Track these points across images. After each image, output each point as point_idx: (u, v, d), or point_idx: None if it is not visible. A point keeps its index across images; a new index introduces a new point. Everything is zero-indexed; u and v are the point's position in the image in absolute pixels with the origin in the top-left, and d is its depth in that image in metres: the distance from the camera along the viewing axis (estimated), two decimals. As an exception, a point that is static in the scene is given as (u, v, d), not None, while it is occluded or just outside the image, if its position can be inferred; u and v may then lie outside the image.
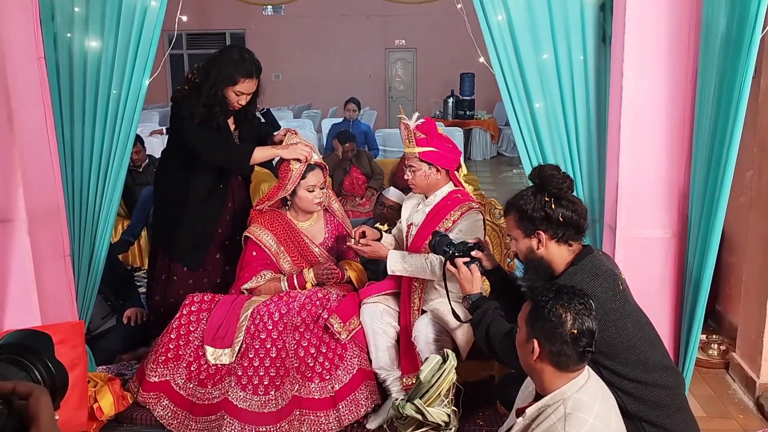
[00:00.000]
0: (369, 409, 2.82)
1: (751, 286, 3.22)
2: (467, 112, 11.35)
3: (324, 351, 2.83)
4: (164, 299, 3.38)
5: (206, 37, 14.43)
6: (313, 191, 3.03)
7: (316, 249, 3.15)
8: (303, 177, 3.00)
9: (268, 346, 2.77)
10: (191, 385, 2.86)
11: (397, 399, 2.50)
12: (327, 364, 2.81)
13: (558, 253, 2.10)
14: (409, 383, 2.72)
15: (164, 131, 7.52)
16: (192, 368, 2.88)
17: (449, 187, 2.87)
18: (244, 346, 2.81)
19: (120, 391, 2.88)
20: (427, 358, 2.43)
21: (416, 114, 2.85)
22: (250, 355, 2.77)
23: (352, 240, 2.88)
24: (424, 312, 2.84)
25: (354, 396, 2.80)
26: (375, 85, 14.53)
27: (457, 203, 2.79)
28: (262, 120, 4.18)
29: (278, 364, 2.76)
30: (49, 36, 2.70)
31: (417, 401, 2.34)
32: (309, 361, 2.81)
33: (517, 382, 2.02)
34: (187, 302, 2.98)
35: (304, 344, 2.82)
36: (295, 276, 3.03)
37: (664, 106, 2.50)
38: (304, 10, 12.92)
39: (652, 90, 2.49)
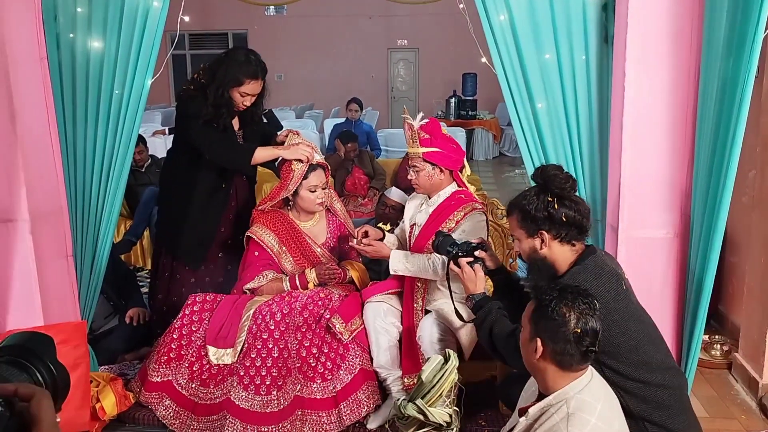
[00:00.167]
0: (370, 409, 2.82)
1: (754, 286, 3.21)
2: (469, 112, 11.35)
3: (326, 351, 2.83)
4: (167, 297, 3.41)
5: (209, 37, 14.45)
6: (315, 191, 3.04)
7: (318, 249, 3.15)
8: (305, 177, 3.01)
9: (270, 346, 2.77)
10: (193, 385, 2.86)
11: (398, 399, 2.50)
12: (329, 364, 2.82)
13: (561, 253, 2.10)
14: (411, 383, 2.72)
15: (167, 131, 7.52)
16: (194, 368, 2.88)
17: (452, 187, 2.87)
18: (246, 346, 2.81)
19: (122, 390, 2.89)
20: (428, 359, 2.43)
21: (420, 114, 2.85)
22: (252, 355, 2.77)
23: (355, 240, 2.89)
24: (427, 312, 2.84)
25: (355, 396, 2.80)
26: (377, 86, 14.53)
27: (461, 204, 2.79)
28: (265, 121, 4.19)
29: (280, 364, 2.77)
30: (52, 36, 2.70)
31: (419, 401, 2.34)
32: (311, 361, 2.81)
33: (520, 381, 2.02)
34: (189, 302, 2.99)
35: (306, 344, 2.82)
36: (297, 276, 3.04)
37: (666, 106, 2.50)
38: (307, 11, 12.93)
39: (654, 90, 2.49)
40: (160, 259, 3.47)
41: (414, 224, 2.96)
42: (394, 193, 3.84)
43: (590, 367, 1.74)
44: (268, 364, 2.76)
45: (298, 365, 2.80)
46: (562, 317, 1.66)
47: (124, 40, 2.77)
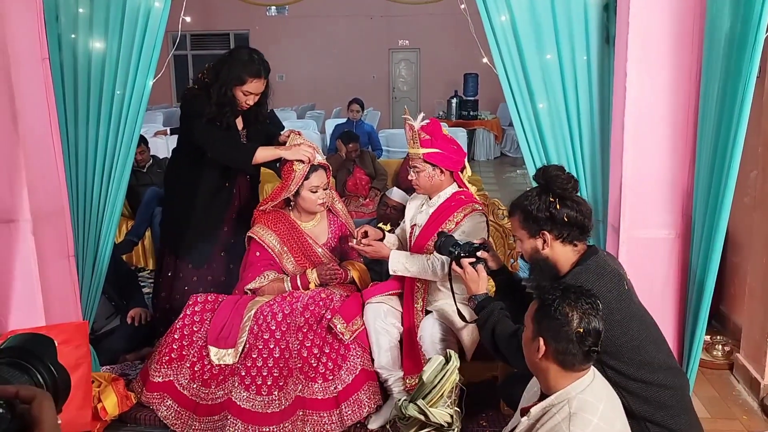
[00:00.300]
0: (372, 410, 2.82)
1: (756, 286, 3.21)
2: (471, 113, 11.34)
3: (327, 351, 2.83)
4: (170, 296, 3.43)
5: (210, 37, 14.46)
6: (316, 192, 3.04)
7: (320, 249, 3.15)
8: (306, 178, 3.01)
9: (272, 346, 2.78)
10: (195, 386, 2.86)
11: (399, 399, 2.50)
12: (330, 364, 2.82)
13: (563, 254, 2.10)
14: (412, 384, 2.72)
15: (168, 132, 7.52)
16: (195, 368, 2.88)
17: (453, 188, 2.87)
18: (247, 346, 2.82)
19: (124, 391, 2.89)
20: (430, 359, 2.43)
21: (421, 114, 2.85)
22: (254, 356, 2.78)
23: (354, 240, 2.89)
24: (428, 312, 2.84)
25: (357, 396, 2.80)
26: (378, 86, 14.53)
27: (461, 205, 2.79)
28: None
29: (281, 365, 2.77)
30: (54, 37, 2.70)
31: (420, 402, 2.34)
32: (312, 361, 2.81)
33: (521, 381, 2.02)
34: (190, 303, 2.99)
35: (307, 345, 2.82)
36: (298, 276, 3.04)
37: (667, 106, 2.50)
38: (308, 11, 12.93)
39: (655, 90, 2.49)
40: (164, 257, 3.50)
41: (414, 225, 2.96)
42: (396, 194, 3.84)
43: (592, 367, 1.74)
44: (270, 365, 2.76)
45: (299, 365, 2.81)
46: (565, 317, 1.66)
47: (126, 41, 2.77)
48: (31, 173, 2.57)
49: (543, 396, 1.75)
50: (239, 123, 3.27)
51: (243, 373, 2.77)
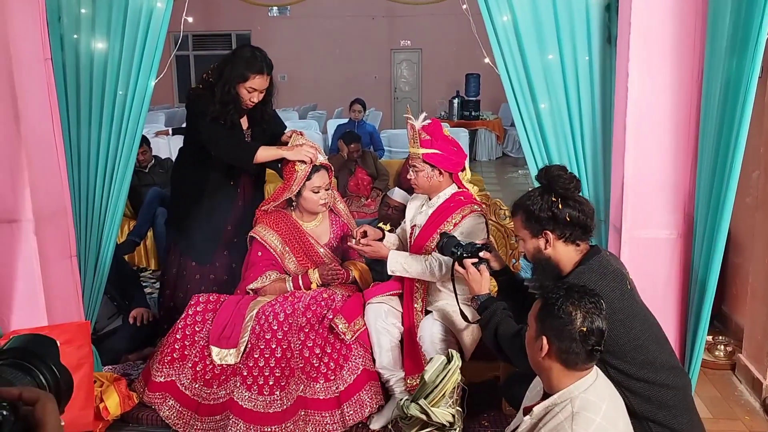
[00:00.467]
0: (373, 410, 2.82)
1: (758, 287, 3.21)
2: (472, 113, 11.33)
3: (329, 351, 2.83)
4: (174, 294, 3.46)
5: (212, 38, 14.48)
6: (318, 192, 3.04)
7: (321, 249, 3.15)
8: (308, 178, 3.01)
9: (273, 346, 2.78)
10: (197, 385, 2.87)
11: (401, 399, 2.50)
12: (332, 364, 2.82)
13: (565, 253, 2.10)
14: (413, 384, 2.72)
15: (170, 132, 7.52)
16: (197, 368, 2.89)
17: (452, 189, 2.87)
18: (249, 346, 2.82)
19: (126, 391, 2.89)
20: (431, 359, 2.43)
21: (423, 114, 2.85)
22: (256, 356, 2.78)
23: (353, 240, 2.89)
24: (428, 313, 2.84)
25: (358, 396, 2.80)
26: (380, 86, 14.53)
27: (460, 206, 2.79)
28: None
29: (283, 365, 2.77)
30: (56, 37, 2.71)
31: (421, 401, 2.34)
32: (314, 361, 2.81)
33: (523, 380, 2.02)
34: (192, 303, 3.00)
35: (309, 344, 2.82)
36: (300, 276, 3.04)
37: (669, 107, 2.50)
38: (310, 11, 12.94)
39: (657, 90, 2.48)
40: (170, 254, 3.54)
41: (414, 225, 2.96)
42: (397, 194, 3.84)
43: (595, 366, 1.74)
44: (271, 365, 2.76)
45: (301, 365, 2.81)
46: (569, 315, 1.66)
47: (128, 41, 2.77)
48: (34, 173, 2.58)
49: (546, 395, 1.75)
50: (244, 123, 3.29)
51: (245, 373, 2.77)
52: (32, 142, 2.57)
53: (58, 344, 0.97)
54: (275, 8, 13.92)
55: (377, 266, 3.31)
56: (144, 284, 4.37)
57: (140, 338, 3.51)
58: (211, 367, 2.87)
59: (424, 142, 2.78)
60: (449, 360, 2.36)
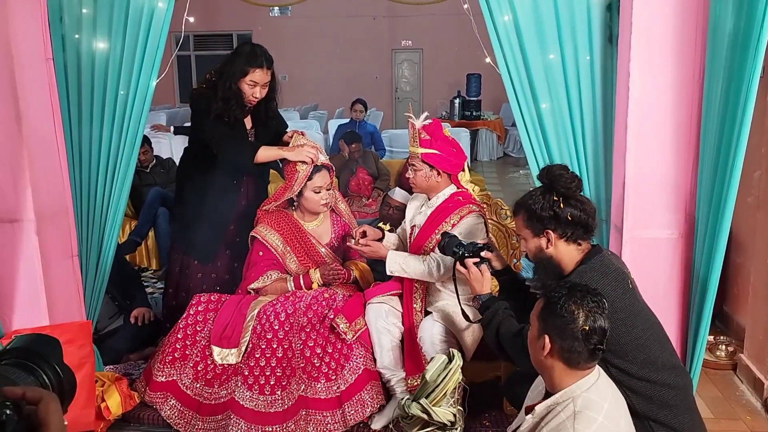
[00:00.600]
0: (374, 410, 2.82)
1: (759, 286, 3.20)
2: (474, 113, 11.32)
3: (330, 351, 2.83)
4: (176, 292, 3.48)
5: (213, 38, 14.48)
6: (319, 192, 3.04)
7: (323, 249, 3.16)
8: (309, 178, 3.01)
9: (275, 346, 2.78)
10: (198, 385, 2.87)
11: (402, 398, 2.50)
12: (333, 364, 2.82)
13: (567, 253, 2.10)
14: (414, 384, 2.72)
15: (172, 130, 7.49)
16: (199, 368, 2.89)
17: (451, 189, 2.87)
18: (250, 346, 2.82)
19: (127, 390, 2.89)
20: (432, 358, 2.43)
21: (425, 114, 2.84)
22: (257, 355, 2.78)
23: (353, 240, 2.89)
24: (428, 313, 2.84)
25: (359, 396, 2.80)
26: (381, 86, 14.53)
27: (458, 206, 2.79)
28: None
29: (284, 364, 2.77)
30: (57, 37, 2.71)
31: (423, 401, 2.34)
32: (315, 361, 2.81)
33: (524, 380, 2.02)
34: (193, 302, 3.00)
35: (310, 344, 2.82)
36: (301, 276, 3.04)
37: (671, 106, 2.50)
38: (311, 11, 12.94)
39: (658, 90, 2.48)
40: (173, 253, 3.57)
41: (414, 225, 2.96)
42: (398, 194, 3.84)
43: (597, 366, 1.74)
44: (273, 364, 2.76)
45: (302, 365, 2.81)
46: (571, 314, 1.66)
47: (129, 41, 2.78)
48: (35, 173, 2.58)
49: (548, 394, 1.75)
50: (248, 122, 3.31)
51: (246, 373, 2.77)
52: (34, 141, 2.57)
53: (61, 344, 0.97)
54: (276, 8, 13.93)
55: (378, 266, 3.31)
56: (145, 284, 4.37)
57: (141, 338, 3.52)
58: (212, 366, 2.88)
59: (423, 141, 2.78)
60: (450, 359, 2.36)
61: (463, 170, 2.98)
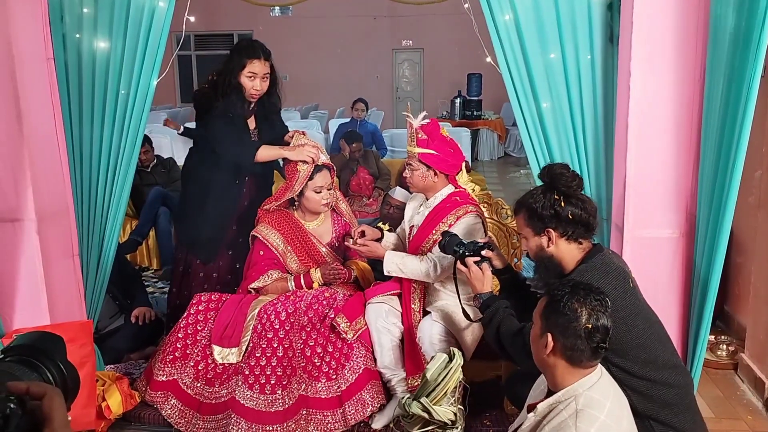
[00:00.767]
0: (375, 409, 2.82)
1: (760, 286, 3.20)
2: (474, 113, 11.33)
3: (330, 350, 2.83)
4: (180, 291, 3.50)
5: (214, 38, 14.47)
6: (320, 192, 3.04)
7: (324, 249, 3.16)
8: (310, 178, 3.01)
9: (275, 345, 2.78)
10: (199, 384, 2.87)
11: (403, 397, 2.50)
12: (333, 363, 2.82)
13: (568, 251, 2.11)
14: (415, 384, 2.72)
15: (181, 128, 7.48)
16: (199, 367, 2.89)
17: (449, 189, 2.86)
18: (251, 345, 2.82)
19: (128, 389, 2.90)
20: (433, 357, 2.43)
21: (423, 113, 2.84)
22: (257, 355, 2.78)
23: (351, 239, 2.90)
24: (427, 313, 2.84)
25: (360, 396, 2.80)
26: (382, 86, 14.53)
27: (455, 206, 2.78)
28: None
29: (285, 364, 2.77)
30: (58, 37, 2.71)
31: (423, 399, 2.34)
32: (316, 360, 2.81)
33: (525, 379, 2.02)
34: (194, 302, 3.00)
35: (310, 344, 2.82)
36: (302, 276, 3.04)
37: (671, 105, 2.49)
38: (312, 11, 12.92)
39: (659, 89, 2.48)
40: (176, 252, 3.60)
41: (412, 225, 2.96)
42: (399, 193, 3.84)
43: (600, 365, 1.74)
44: (273, 364, 2.76)
45: (302, 364, 2.81)
46: (574, 312, 1.66)
47: (130, 41, 2.78)
48: (36, 173, 2.58)
49: (550, 393, 1.75)
50: (251, 123, 3.33)
51: (247, 372, 2.77)
52: (35, 141, 2.58)
53: (65, 341, 0.97)
54: (277, 8, 13.91)
55: (379, 266, 3.31)
56: (146, 283, 4.37)
57: (142, 337, 3.52)
58: (213, 366, 2.88)
59: (420, 141, 2.78)
60: (451, 358, 2.36)
61: (461, 171, 2.98)
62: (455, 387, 2.38)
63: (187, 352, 2.92)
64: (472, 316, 2.52)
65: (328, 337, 2.84)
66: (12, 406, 0.79)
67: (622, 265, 2.11)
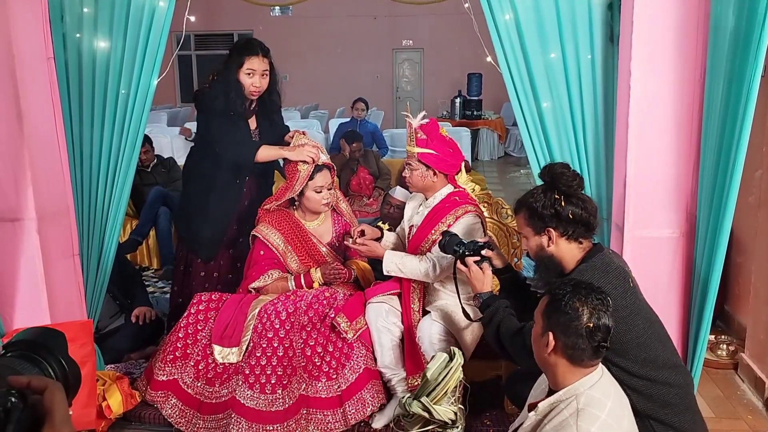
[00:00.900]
0: (375, 409, 2.82)
1: (760, 286, 3.20)
2: (474, 113, 11.33)
3: (331, 350, 2.83)
4: (182, 290, 3.51)
5: (214, 38, 14.47)
6: (320, 192, 3.04)
7: (324, 249, 3.16)
8: (311, 178, 3.02)
9: (276, 345, 2.78)
10: (199, 384, 2.87)
11: (403, 397, 2.50)
12: (334, 363, 2.82)
13: (568, 251, 2.11)
14: (415, 384, 2.72)
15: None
16: (200, 367, 2.89)
17: (448, 189, 2.86)
18: (251, 344, 2.82)
19: (128, 389, 2.90)
20: (433, 356, 2.43)
21: (422, 113, 2.84)
22: (258, 354, 2.78)
23: (351, 239, 2.90)
24: (426, 312, 2.84)
25: (360, 395, 2.80)
26: (382, 86, 14.53)
27: (454, 206, 2.78)
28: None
29: (285, 363, 2.77)
30: (59, 36, 2.71)
31: (424, 399, 2.34)
32: (316, 360, 2.81)
33: (525, 379, 2.02)
34: (195, 301, 3.00)
35: (311, 343, 2.82)
36: (302, 275, 3.04)
37: (672, 105, 2.50)
38: (312, 11, 12.92)
39: (660, 89, 2.48)
40: (178, 251, 3.61)
41: (412, 225, 2.96)
42: (399, 193, 3.84)
43: (601, 364, 1.74)
44: (274, 363, 2.76)
45: (303, 364, 2.81)
46: (575, 311, 1.66)
47: (130, 40, 2.78)
48: (36, 172, 2.58)
49: (551, 392, 1.76)
50: (252, 123, 3.34)
51: (247, 372, 2.77)
52: (35, 140, 2.58)
53: (66, 337, 0.97)
54: (277, 8, 13.91)
55: (379, 265, 3.31)
56: (146, 283, 4.37)
57: (142, 337, 3.52)
58: (213, 365, 2.88)
59: (420, 141, 2.78)
60: (451, 357, 2.36)
61: (461, 170, 2.98)
62: (455, 386, 2.38)
63: (188, 351, 2.92)
64: (472, 315, 2.52)
65: (328, 336, 2.84)
66: (13, 400, 0.79)
67: (622, 265, 2.11)
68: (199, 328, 2.94)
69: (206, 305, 2.98)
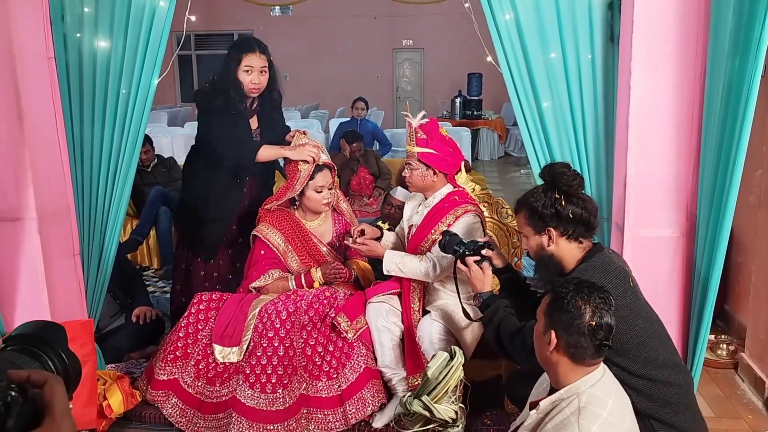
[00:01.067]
0: (375, 408, 2.82)
1: (761, 285, 3.20)
2: (475, 112, 11.33)
3: (331, 350, 2.83)
4: (183, 289, 3.51)
5: (214, 37, 14.48)
6: (321, 192, 3.05)
7: (324, 248, 3.16)
8: (311, 178, 3.02)
9: (276, 344, 2.78)
10: (200, 384, 2.87)
11: (404, 396, 2.50)
12: (334, 362, 2.82)
13: (568, 250, 2.11)
14: (415, 384, 2.72)
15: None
16: (200, 366, 2.89)
17: (447, 188, 2.86)
18: (252, 344, 2.82)
19: (129, 389, 2.90)
20: (434, 355, 2.43)
21: (422, 113, 2.84)
22: (258, 354, 2.78)
23: (350, 238, 2.90)
24: (426, 312, 2.84)
25: (361, 395, 2.80)
26: (382, 86, 14.53)
27: (454, 206, 2.78)
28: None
29: (286, 363, 2.77)
30: (59, 36, 2.71)
31: (424, 398, 2.34)
32: (316, 359, 2.82)
33: (526, 378, 2.03)
34: (195, 301, 3.01)
35: (311, 343, 2.83)
36: (302, 275, 3.04)
37: (672, 105, 2.50)
38: (312, 11, 12.93)
39: (660, 89, 2.49)
40: (178, 251, 3.61)
41: (411, 225, 2.96)
42: (400, 193, 3.84)
43: (602, 363, 1.75)
44: (274, 363, 2.77)
45: (303, 364, 2.81)
46: (578, 310, 1.67)
47: (131, 40, 2.78)
48: (37, 172, 2.58)
49: (552, 390, 1.76)
50: (253, 122, 3.34)
51: (247, 371, 2.78)
52: (35, 140, 2.58)
53: (66, 330, 0.97)
54: (277, 8, 13.92)
55: (379, 265, 3.31)
56: (146, 283, 4.37)
57: (143, 336, 3.52)
58: (213, 365, 2.88)
59: (420, 140, 2.78)
60: (452, 356, 2.37)
61: (461, 170, 2.98)
62: (456, 385, 2.39)
63: (188, 351, 2.93)
64: (472, 315, 2.53)
65: (328, 336, 2.84)
66: (13, 394, 0.79)
67: (622, 265, 2.12)
68: (200, 327, 2.94)
69: (207, 305, 2.98)
